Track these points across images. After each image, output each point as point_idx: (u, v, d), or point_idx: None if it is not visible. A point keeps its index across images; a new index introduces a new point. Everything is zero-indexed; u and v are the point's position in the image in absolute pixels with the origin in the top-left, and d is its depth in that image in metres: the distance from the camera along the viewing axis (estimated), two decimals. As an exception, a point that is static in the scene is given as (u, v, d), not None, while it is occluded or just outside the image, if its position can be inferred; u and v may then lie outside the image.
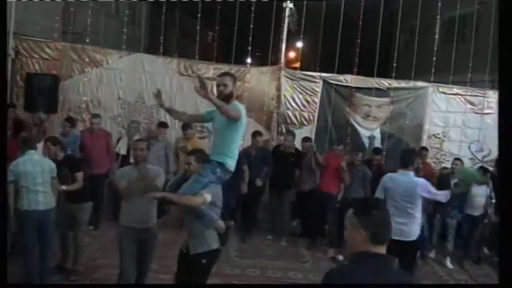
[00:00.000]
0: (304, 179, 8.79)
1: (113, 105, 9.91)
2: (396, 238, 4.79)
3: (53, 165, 5.92)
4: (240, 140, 4.73)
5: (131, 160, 7.67)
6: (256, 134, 8.69)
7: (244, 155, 8.21)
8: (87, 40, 10.22)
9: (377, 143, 10.13)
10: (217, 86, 4.61)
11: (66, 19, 11.84)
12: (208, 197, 4.46)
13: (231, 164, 4.58)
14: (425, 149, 9.51)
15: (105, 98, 9.91)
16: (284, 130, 10.02)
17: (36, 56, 9.80)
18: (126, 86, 9.91)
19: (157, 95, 4.85)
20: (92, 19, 10.59)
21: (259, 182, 8.52)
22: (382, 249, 2.40)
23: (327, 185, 8.34)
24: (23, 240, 5.80)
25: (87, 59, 9.91)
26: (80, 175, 6.19)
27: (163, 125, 9.07)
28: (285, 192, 8.80)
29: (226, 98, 4.52)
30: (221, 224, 4.70)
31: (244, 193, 8.26)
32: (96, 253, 7.01)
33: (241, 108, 4.59)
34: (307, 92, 10.12)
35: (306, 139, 9.06)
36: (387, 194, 5.85)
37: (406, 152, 6.54)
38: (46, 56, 9.83)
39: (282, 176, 8.64)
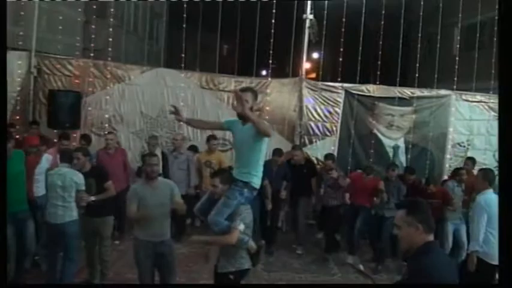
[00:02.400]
0: (329, 195, 8.68)
1: (135, 120, 9.94)
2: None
3: (81, 179, 5.91)
4: (263, 156, 4.58)
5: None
6: (277, 151, 8.58)
7: (265, 170, 8.22)
8: (109, 56, 10.30)
9: (401, 153, 10.03)
10: (237, 100, 4.49)
11: (87, 36, 11.95)
12: (242, 227, 4.40)
13: (257, 182, 4.50)
14: (471, 159, 9.27)
15: (128, 113, 9.94)
16: (307, 141, 9.97)
17: (59, 73, 9.88)
18: (148, 100, 9.95)
19: (175, 111, 4.78)
20: (112, 36, 10.68)
21: (283, 195, 8.52)
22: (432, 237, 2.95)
23: (361, 199, 8.26)
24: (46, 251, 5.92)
25: (109, 75, 9.96)
26: (109, 184, 6.23)
27: (185, 138, 9.11)
28: (301, 203, 8.75)
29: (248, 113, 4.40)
30: (252, 244, 4.62)
31: (270, 209, 8.26)
32: (123, 268, 6.95)
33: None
34: (329, 102, 10.05)
35: (328, 156, 8.88)
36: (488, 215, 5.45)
37: (489, 170, 6.09)
38: (68, 73, 9.90)
39: (297, 188, 8.67)
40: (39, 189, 6.81)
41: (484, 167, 7.79)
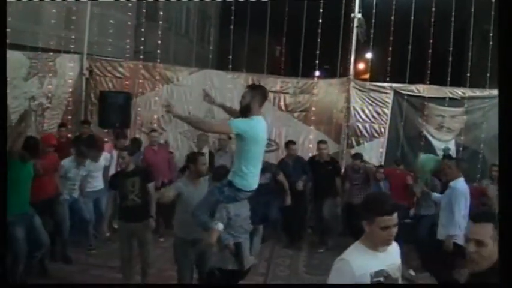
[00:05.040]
0: (354, 193, 8.65)
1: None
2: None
3: None
4: (255, 158, 4.42)
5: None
6: (289, 143, 8.67)
7: (280, 165, 8.34)
8: (159, 59, 10.49)
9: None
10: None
11: (137, 39, 12.23)
12: (220, 227, 4.53)
13: (240, 182, 4.40)
14: None
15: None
16: (354, 142, 9.83)
17: (109, 74, 10.20)
18: (195, 101, 10.05)
19: (206, 94, 5.06)
20: (162, 38, 10.88)
21: (300, 186, 8.36)
22: None
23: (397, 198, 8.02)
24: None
25: (158, 77, 10.18)
26: (151, 186, 6.14)
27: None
28: (325, 201, 8.61)
29: (244, 110, 4.40)
30: (231, 244, 4.68)
31: (288, 204, 8.02)
32: (165, 264, 6.94)
33: (251, 124, 4.31)
34: (378, 103, 9.87)
35: (356, 156, 8.89)
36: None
37: (462, 160, 6.61)
38: (119, 75, 10.20)
39: (320, 186, 8.60)
40: (96, 184, 7.77)
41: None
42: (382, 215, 2.78)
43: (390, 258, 2.94)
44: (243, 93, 4.49)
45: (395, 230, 2.81)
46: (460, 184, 6.33)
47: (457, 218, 6.10)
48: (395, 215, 2.81)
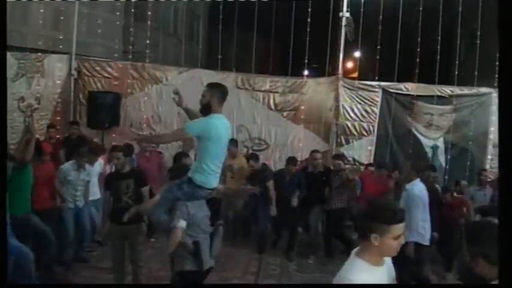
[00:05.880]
0: (332, 197, 8.16)
1: (172, 120, 10.02)
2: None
3: None
4: (214, 155, 4.43)
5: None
6: (291, 160, 8.30)
7: (277, 176, 8.13)
8: (148, 58, 10.47)
9: (440, 153, 9.82)
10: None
11: (126, 39, 12.20)
12: (182, 224, 4.45)
13: (199, 179, 4.40)
14: None
15: (165, 114, 10.08)
16: (343, 141, 9.87)
17: (98, 75, 10.16)
18: (185, 101, 10.01)
19: (175, 93, 4.89)
20: (151, 38, 10.86)
21: (295, 202, 8.00)
22: None
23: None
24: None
25: (147, 77, 10.15)
26: (146, 190, 6.02)
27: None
28: (314, 211, 8.31)
29: (204, 108, 4.45)
30: (189, 243, 4.58)
31: (274, 215, 7.92)
32: (157, 264, 6.94)
33: (208, 122, 4.36)
34: (366, 101, 9.92)
35: (336, 156, 8.64)
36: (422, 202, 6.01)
37: (417, 160, 6.57)
38: (107, 75, 10.16)
39: (310, 196, 8.16)
40: (94, 190, 7.45)
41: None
42: (396, 222, 2.53)
43: (389, 269, 2.73)
44: (203, 92, 4.51)
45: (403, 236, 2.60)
46: (416, 187, 6.04)
47: (415, 222, 5.85)
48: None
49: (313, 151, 8.45)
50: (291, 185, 8.09)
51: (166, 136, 5.14)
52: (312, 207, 8.29)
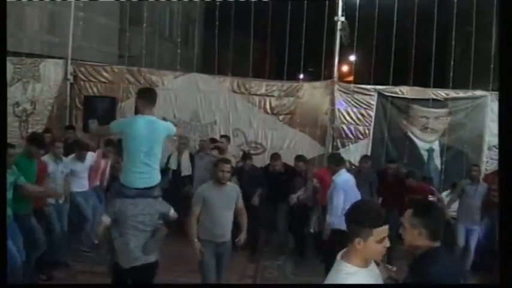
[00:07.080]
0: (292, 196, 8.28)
1: (168, 124, 10.03)
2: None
3: None
4: (133, 155, 4.66)
5: (182, 174, 8.61)
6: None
7: (238, 172, 8.19)
8: (144, 63, 10.48)
9: (436, 156, 9.84)
10: None
11: (122, 44, 12.20)
12: (106, 219, 4.71)
13: (123, 178, 4.73)
14: None
15: (161, 118, 10.02)
16: (339, 144, 9.89)
17: (94, 79, 10.15)
18: (181, 105, 10.07)
19: (91, 123, 5.40)
20: (147, 42, 10.88)
21: (256, 201, 8.07)
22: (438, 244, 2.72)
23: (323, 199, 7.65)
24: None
25: (143, 81, 10.13)
26: None
27: (213, 140, 9.15)
28: (279, 210, 8.44)
29: (134, 111, 4.84)
30: (118, 240, 4.75)
31: None
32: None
33: (129, 122, 4.82)
34: (362, 105, 9.95)
35: (298, 158, 8.60)
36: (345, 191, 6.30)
37: (335, 153, 7.07)
38: (103, 80, 10.15)
39: (274, 195, 8.33)
40: (82, 185, 7.61)
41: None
42: (378, 226, 2.52)
43: (375, 268, 2.70)
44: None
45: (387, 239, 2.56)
46: (340, 177, 6.45)
47: (335, 208, 6.24)
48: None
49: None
50: (251, 182, 8.17)
51: (103, 129, 5.53)
52: (276, 205, 8.43)
